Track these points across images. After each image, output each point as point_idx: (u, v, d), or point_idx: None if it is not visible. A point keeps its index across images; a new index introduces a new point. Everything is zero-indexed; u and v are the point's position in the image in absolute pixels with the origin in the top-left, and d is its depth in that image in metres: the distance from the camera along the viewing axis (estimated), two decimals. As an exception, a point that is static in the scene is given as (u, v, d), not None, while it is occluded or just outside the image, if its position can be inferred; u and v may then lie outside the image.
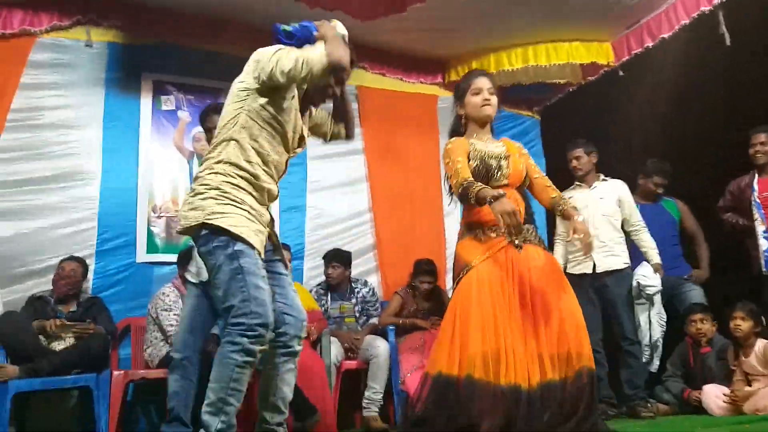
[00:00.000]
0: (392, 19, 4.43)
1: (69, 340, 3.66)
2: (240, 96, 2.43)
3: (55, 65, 4.27)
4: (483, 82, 2.88)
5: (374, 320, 4.51)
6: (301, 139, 2.57)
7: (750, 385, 3.71)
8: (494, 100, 2.87)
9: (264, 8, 4.42)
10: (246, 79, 2.44)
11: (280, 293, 2.46)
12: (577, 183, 4.28)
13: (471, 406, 2.46)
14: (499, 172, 2.80)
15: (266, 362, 2.44)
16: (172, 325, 3.82)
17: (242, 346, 2.19)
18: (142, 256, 4.31)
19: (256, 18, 4.62)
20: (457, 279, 2.73)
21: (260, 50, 2.45)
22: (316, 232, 4.88)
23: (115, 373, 3.67)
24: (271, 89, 2.39)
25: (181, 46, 4.58)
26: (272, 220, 2.53)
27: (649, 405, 3.92)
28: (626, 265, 4.11)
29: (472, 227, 2.79)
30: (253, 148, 2.38)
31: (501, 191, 2.55)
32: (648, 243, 4.20)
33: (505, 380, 2.49)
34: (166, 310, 3.86)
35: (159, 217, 4.42)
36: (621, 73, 5.01)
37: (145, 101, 4.51)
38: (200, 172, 2.40)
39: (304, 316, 2.52)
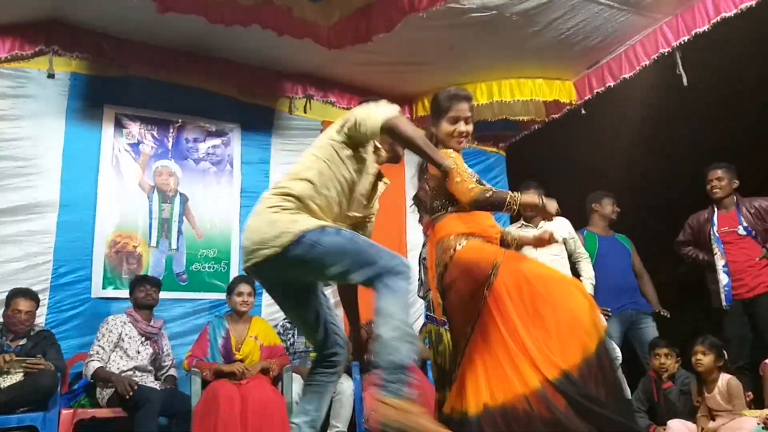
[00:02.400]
0: (358, 52, 4.49)
1: (16, 377, 3.53)
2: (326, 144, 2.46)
3: (16, 96, 4.23)
4: (463, 110, 2.62)
5: None
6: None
7: (714, 420, 3.70)
8: (469, 129, 2.65)
9: (230, 41, 4.46)
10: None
11: (331, 315, 2.50)
12: (524, 223, 4.31)
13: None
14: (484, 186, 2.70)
15: (312, 377, 2.49)
16: (90, 355, 3.75)
17: (408, 276, 2.23)
18: (97, 291, 4.24)
19: (223, 51, 4.65)
20: (487, 282, 2.38)
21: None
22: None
23: (64, 411, 3.56)
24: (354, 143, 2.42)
25: (144, 79, 4.57)
26: None
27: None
28: None
29: (465, 237, 2.53)
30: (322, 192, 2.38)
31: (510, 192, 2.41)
32: (586, 273, 4.29)
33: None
34: (98, 337, 3.81)
35: (117, 252, 4.35)
36: (583, 111, 5.12)
37: (107, 133, 4.48)
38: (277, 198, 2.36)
39: (346, 339, 2.55)
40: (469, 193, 2.43)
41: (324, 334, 2.46)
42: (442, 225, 2.59)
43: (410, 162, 3.04)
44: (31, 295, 3.78)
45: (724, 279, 4.18)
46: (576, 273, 4.31)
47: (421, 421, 2.06)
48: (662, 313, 4.49)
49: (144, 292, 3.97)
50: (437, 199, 2.63)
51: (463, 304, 2.45)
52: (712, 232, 4.26)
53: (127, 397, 3.57)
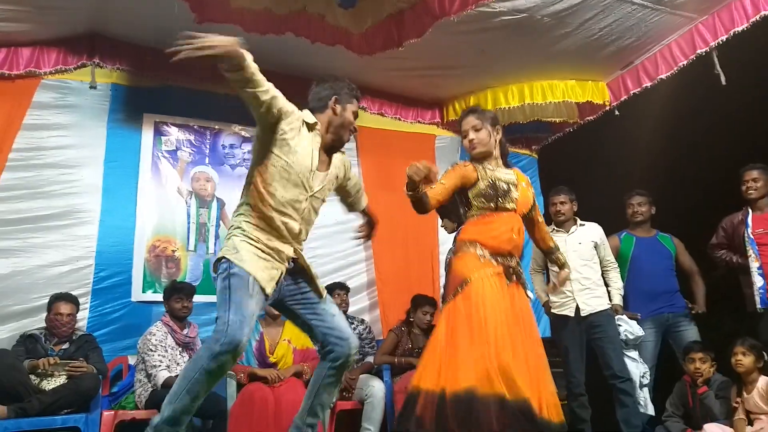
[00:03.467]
0: (390, 57, 4.51)
1: (60, 379, 3.65)
2: (254, 143, 2.67)
3: (59, 106, 4.37)
4: (466, 123, 3.02)
5: (369, 359, 4.48)
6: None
7: (751, 424, 3.63)
8: (480, 135, 2.97)
9: (264, 46, 4.52)
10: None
11: (316, 318, 2.64)
12: (555, 228, 4.26)
13: (471, 421, 2.48)
14: (507, 196, 2.90)
15: (316, 372, 2.69)
16: (155, 366, 3.82)
17: (212, 352, 2.32)
18: (137, 294, 4.34)
19: (258, 60, 4.72)
20: (453, 292, 2.77)
21: None
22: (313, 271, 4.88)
23: (105, 413, 3.66)
24: (269, 130, 2.55)
25: (182, 88, 4.68)
26: (300, 252, 2.67)
27: (649, 447, 3.84)
28: (609, 306, 4.11)
29: (472, 244, 2.85)
30: (266, 190, 2.54)
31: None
32: (614, 282, 4.24)
33: (512, 396, 2.54)
34: (151, 350, 3.87)
35: (156, 256, 4.46)
36: (617, 112, 5.05)
37: (146, 141, 4.61)
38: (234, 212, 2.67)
39: (348, 335, 2.65)
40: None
41: (320, 337, 2.65)
42: (462, 230, 2.98)
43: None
44: (72, 299, 3.89)
45: (759, 281, 4.06)
46: (606, 281, 4.27)
47: None
48: (693, 311, 4.40)
49: (180, 303, 4.01)
50: (461, 206, 3.00)
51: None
52: (746, 234, 4.15)
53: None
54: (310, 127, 2.63)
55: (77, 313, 3.93)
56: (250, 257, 2.46)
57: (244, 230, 2.52)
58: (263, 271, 2.48)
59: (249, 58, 2.37)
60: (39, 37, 4.29)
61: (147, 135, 4.61)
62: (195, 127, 4.79)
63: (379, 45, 4.41)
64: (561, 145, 5.59)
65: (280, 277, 2.56)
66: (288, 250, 2.59)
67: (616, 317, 4.13)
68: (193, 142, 4.76)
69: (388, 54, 4.44)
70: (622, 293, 4.28)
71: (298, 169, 2.56)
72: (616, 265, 4.30)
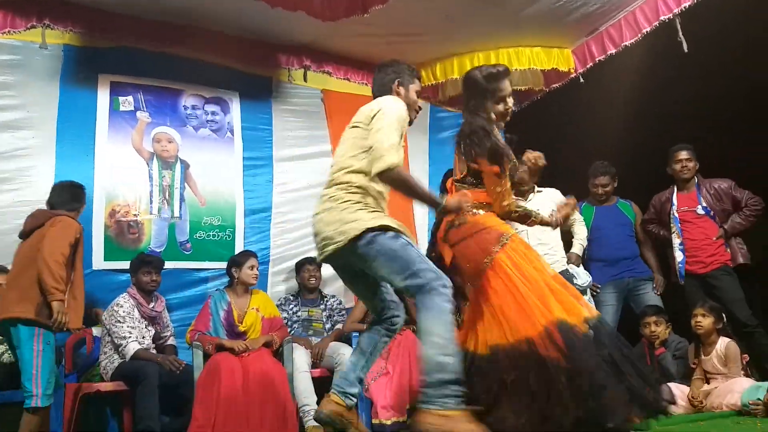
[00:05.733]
0: (354, 23, 4.41)
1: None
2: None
3: (8, 65, 4.14)
4: (508, 87, 2.80)
5: (339, 326, 4.48)
6: None
7: (708, 383, 3.77)
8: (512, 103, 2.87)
9: (223, 11, 4.39)
10: None
11: (386, 287, 2.79)
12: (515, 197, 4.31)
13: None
14: (514, 168, 2.87)
15: (372, 330, 2.83)
16: (124, 338, 3.77)
17: (447, 296, 2.44)
18: (98, 263, 4.18)
19: (217, 23, 4.58)
20: (499, 243, 2.59)
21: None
22: (282, 237, 4.84)
23: (68, 385, 3.56)
24: None
25: (139, 49, 4.50)
26: None
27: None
28: (565, 268, 4.22)
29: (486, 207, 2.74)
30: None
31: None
32: (578, 234, 4.46)
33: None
34: (119, 321, 3.81)
35: (117, 222, 4.30)
36: (582, 80, 5.09)
37: (102, 102, 4.40)
38: (337, 190, 2.67)
39: (400, 301, 2.85)
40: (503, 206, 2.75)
41: (381, 304, 2.80)
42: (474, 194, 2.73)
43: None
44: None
45: (679, 256, 4.34)
46: (572, 234, 4.44)
47: (462, 425, 2.26)
48: (656, 286, 4.55)
49: (149, 277, 3.94)
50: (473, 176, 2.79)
51: (470, 259, 2.64)
52: (671, 212, 4.39)
53: (178, 372, 3.74)
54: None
55: None
56: (391, 221, 2.59)
57: (367, 203, 2.62)
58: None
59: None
60: (-17, -1, 4.05)
61: (103, 96, 4.39)
62: (154, 86, 4.58)
63: (342, 11, 4.29)
64: (527, 113, 5.60)
65: None
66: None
67: (568, 266, 4.22)
68: (153, 102, 4.56)
69: (352, 20, 4.33)
70: (584, 244, 4.46)
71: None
72: (581, 219, 4.48)
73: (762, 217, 4.25)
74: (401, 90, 2.82)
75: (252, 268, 4.18)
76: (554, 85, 5.31)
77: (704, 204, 4.31)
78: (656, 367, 4.05)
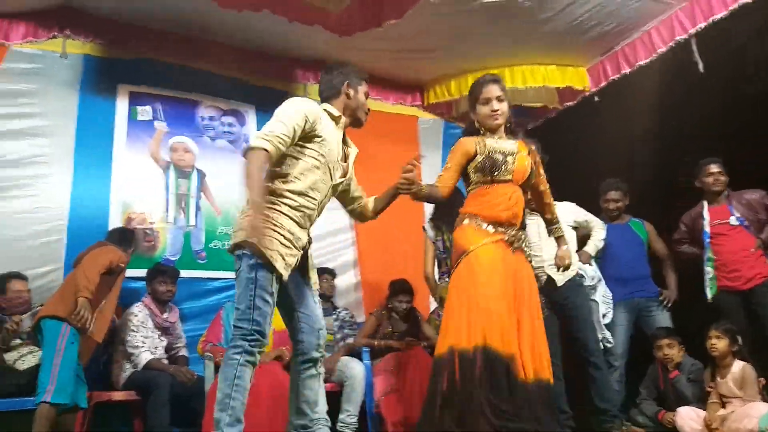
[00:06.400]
0: (369, 38, 4.46)
1: (32, 360, 3.52)
2: None
3: (28, 73, 4.20)
4: (491, 91, 2.96)
5: (350, 340, 4.45)
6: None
7: (724, 407, 3.71)
8: (503, 107, 2.97)
9: (241, 25, 4.44)
10: None
11: (301, 302, 2.72)
12: (529, 210, 4.27)
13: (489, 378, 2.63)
14: (504, 167, 2.91)
15: (291, 370, 2.76)
16: (137, 347, 3.78)
17: (243, 348, 2.46)
18: (114, 270, 4.19)
19: (235, 38, 4.65)
20: (456, 263, 2.87)
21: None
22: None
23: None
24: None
25: (158, 61, 4.57)
26: (310, 241, 2.76)
27: (623, 427, 3.89)
28: (579, 276, 4.10)
29: (471, 217, 2.92)
30: (295, 177, 2.61)
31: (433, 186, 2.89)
32: (596, 235, 4.35)
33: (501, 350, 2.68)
34: (133, 330, 3.82)
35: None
36: (596, 98, 5.10)
37: (121, 111, 4.46)
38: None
39: (322, 325, 2.76)
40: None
41: (296, 324, 2.73)
42: (465, 203, 3.03)
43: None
44: (24, 276, 3.81)
45: (708, 272, 4.23)
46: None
47: None
48: (664, 298, 4.50)
49: (164, 287, 3.97)
50: (463, 181, 3.07)
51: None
52: (704, 227, 4.28)
53: (189, 384, 3.76)
54: (336, 120, 2.76)
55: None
56: (273, 244, 2.50)
57: (267, 215, 2.52)
58: (283, 259, 2.54)
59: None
60: (6, 9, 4.12)
61: (122, 105, 4.46)
62: (172, 97, 4.64)
63: (358, 25, 4.36)
64: (541, 130, 5.61)
65: (295, 264, 2.62)
66: (305, 238, 2.67)
67: (578, 264, 4.17)
68: (170, 113, 4.61)
69: (367, 34, 4.40)
70: (599, 246, 4.36)
71: (328, 159, 2.67)
72: (602, 225, 4.39)
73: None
74: (350, 91, 2.81)
75: None
76: (568, 103, 5.33)
77: (737, 215, 4.18)
78: (671, 391, 4.00)
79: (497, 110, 2.95)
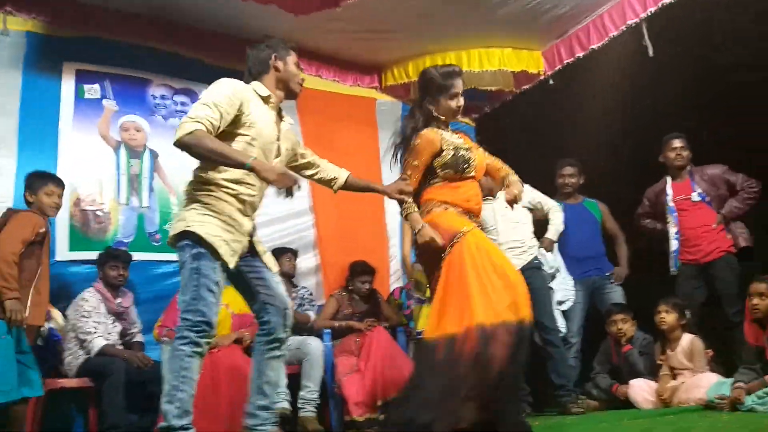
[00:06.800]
0: (326, 18, 4.40)
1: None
2: None
3: (-35, 52, 3.98)
4: (460, 85, 2.96)
5: (309, 313, 4.45)
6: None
7: (675, 379, 3.85)
8: (463, 102, 2.99)
9: (194, 7, 4.34)
10: None
11: (261, 284, 2.69)
12: (486, 197, 4.34)
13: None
14: (469, 165, 2.92)
15: (254, 350, 2.74)
16: (90, 333, 3.70)
17: (189, 339, 2.45)
18: (63, 253, 4.06)
19: (187, 17, 4.52)
20: (449, 245, 2.74)
21: None
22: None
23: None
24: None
25: (106, 39, 4.40)
26: (254, 228, 2.74)
27: (579, 401, 4.00)
28: (536, 259, 4.22)
29: (446, 204, 2.88)
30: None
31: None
32: (554, 220, 4.44)
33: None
34: (85, 316, 3.73)
35: (82, 211, 4.17)
36: (551, 82, 5.17)
37: (67, 90, 4.28)
38: (188, 186, 2.62)
39: (287, 305, 2.73)
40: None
41: (260, 305, 2.70)
42: (426, 192, 2.93)
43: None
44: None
45: (674, 245, 4.32)
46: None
47: None
48: (614, 276, 4.63)
49: (116, 271, 3.88)
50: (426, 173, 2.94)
51: (430, 255, 2.79)
52: (666, 202, 4.38)
53: (145, 369, 3.68)
54: (265, 100, 2.69)
55: None
56: (215, 230, 2.49)
57: (206, 203, 2.52)
58: (228, 245, 2.52)
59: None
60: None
61: (68, 84, 4.28)
62: (121, 75, 4.48)
63: (315, 5, 4.29)
64: (498, 114, 5.68)
65: (242, 251, 2.62)
66: (248, 225, 2.65)
67: (539, 251, 4.28)
68: (120, 91, 4.45)
69: (324, 15, 4.33)
70: (560, 230, 4.45)
71: (261, 141, 2.61)
72: (557, 207, 4.49)
73: (760, 199, 4.19)
74: (279, 64, 2.75)
75: None
76: (524, 87, 5.38)
77: (699, 190, 4.26)
78: (624, 364, 4.12)
79: (461, 106, 2.97)
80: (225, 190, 2.54)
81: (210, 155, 2.44)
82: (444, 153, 2.88)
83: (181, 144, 2.43)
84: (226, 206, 2.54)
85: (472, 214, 2.91)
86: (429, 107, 2.96)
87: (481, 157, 3.01)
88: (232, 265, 2.54)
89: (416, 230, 2.80)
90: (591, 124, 4.97)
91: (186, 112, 4.52)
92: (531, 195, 4.36)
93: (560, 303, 4.43)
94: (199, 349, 2.47)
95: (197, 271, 2.46)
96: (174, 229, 2.56)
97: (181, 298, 2.51)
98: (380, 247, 5.09)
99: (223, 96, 2.52)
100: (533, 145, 4.72)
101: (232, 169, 2.51)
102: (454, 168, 2.87)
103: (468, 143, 3.03)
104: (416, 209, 2.87)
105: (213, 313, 2.49)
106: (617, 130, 4.87)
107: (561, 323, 4.37)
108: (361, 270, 4.49)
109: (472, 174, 2.94)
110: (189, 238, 2.49)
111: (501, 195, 4.18)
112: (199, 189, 2.56)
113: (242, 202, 2.59)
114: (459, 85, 2.95)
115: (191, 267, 2.47)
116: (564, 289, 4.48)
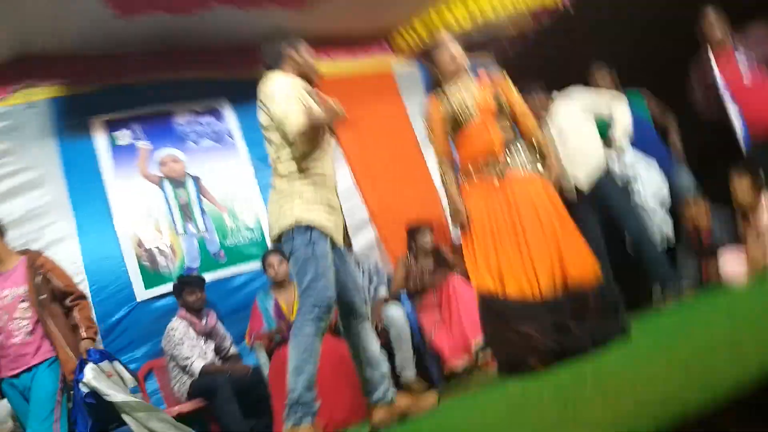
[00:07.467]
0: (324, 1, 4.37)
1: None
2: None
3: (1, 132, 4.13)
4: (447, 42, 3.09)
5: (382, 293, 4.40)
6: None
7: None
8: (459, 52, 3.06)
9: (200, 27, 4.37)
10: None
11: (343, 269, 2.81)
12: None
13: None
14: (467, 112, 2.97)
15: (346, 330, 2.86)
16: (188, 357, 3.83)
17: (312, 316, 2.59)
18: (141, 294, 4.21)
19: (197, 39, 4.58)
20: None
21: None
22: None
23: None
24: None
25: (120, 85, 4.51)
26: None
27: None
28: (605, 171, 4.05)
29: (454, 168, 3.10)
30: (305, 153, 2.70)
31: (462, 208, 2.95)
32: (618, 112, 4.10)
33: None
34: (178, 344, 3.87)
35: (146, 250, 4.32)
36: (572, 11, 5.00)
37: (101, 142, 4.43)
38: (277, 181, 2.76)
39: (361, 284, 3.01)
40: None
41: (338, 285, 2.75)
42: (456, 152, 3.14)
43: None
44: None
45: (737, 126, 4.08)
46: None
47: None
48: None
49: (194, 296, 4.01)
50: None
51: None
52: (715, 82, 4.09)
53: (247, 377, 3.86)
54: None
55: None
56: (320, 215, 2.67)
57: (298, 192, 2.67)
58: (332, 224, 2.72)
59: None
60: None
61: (100, 136, 4.42)
62: (146, 114, 4.60)
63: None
64: (523, 50, 5.55)
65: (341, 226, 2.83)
66: (335, 201, 2.81)
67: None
68: (149, 129, 4.58)
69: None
70: (628, 123, 4.09)
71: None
72: (618, 95, 4.24)
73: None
74: (293, 53, 2.86)
75: (270, 266, 4.13)
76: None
77: (747, 65, 3.94)
78: (707, 247, 4.00)
79: (454, 57, 3.05)
80: (309, 172, 2.70)
81: (327, 119, 2.68)
82: (444, 113, 3.01)
83: (303, 133, 2.63)
84: (317, 189, 2.70)
85: (482, 160, 2.94)
86: (433, 70, 3.13)
87: (483, 95, 3.00)
88: (341, 242, 2.77)
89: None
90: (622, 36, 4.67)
91: (215, 131, 4.77)
92: (593, 104, 4.13)
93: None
94: (322, 324, 2.61)
95: (313, 254, 2.61)
96: (277, 226, 2.70)
97: (298, 284, 2.64)
98: (432, 202, 5.09)
99: (294, 99, 2.70)
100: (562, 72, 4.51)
101: (312, 155, 2.70)
102: (452, 123, 3.00)
103: (482, 85, 3.05)
104: (452, 175, 3.05)
105: (333, 290, 2.64)
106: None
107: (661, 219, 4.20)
108: (419, 229, 4.51)
109: (474, 118, 2.96)
110: (298, 227, 2.63)
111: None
112: (293, 179, 2.70)
113: (323, 176, 2.74)
114: (444, 37, 3.13)
115: (305, 250, 2.62)
116: (652, 183, 4.24)
